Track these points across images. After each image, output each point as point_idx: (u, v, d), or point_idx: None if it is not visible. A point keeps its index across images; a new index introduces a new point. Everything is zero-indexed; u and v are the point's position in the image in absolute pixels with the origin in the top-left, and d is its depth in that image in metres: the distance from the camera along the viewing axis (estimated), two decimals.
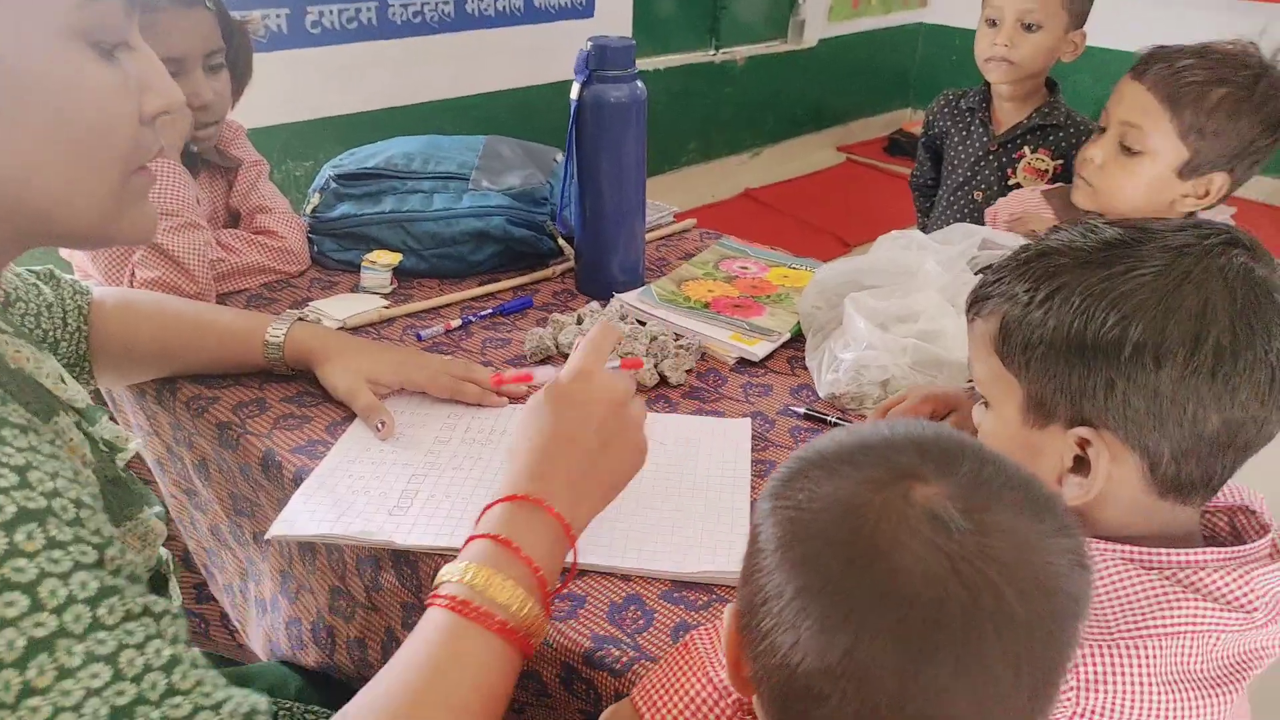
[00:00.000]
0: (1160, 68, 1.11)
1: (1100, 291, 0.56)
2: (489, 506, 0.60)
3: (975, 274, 1.10)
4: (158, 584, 0.65)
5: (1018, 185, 1.57)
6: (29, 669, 0.41)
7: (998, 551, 0.39)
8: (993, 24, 1.54)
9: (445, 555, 0.72)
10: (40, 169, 0.49)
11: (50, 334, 0.82)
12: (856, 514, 0.41)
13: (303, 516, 0.76)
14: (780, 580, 0.42)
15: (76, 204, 0.51)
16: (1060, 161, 1.54)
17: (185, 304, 0.94)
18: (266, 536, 0.76)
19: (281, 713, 0.78)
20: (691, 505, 0.78)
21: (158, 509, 0.62)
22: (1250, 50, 1.10)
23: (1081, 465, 0.59)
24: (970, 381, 0.71)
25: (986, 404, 0.65)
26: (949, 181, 1.69)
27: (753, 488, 0.81)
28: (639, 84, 1.11)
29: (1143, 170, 1.13)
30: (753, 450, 0.87)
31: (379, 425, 0.85)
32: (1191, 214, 1.16)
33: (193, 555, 1.01)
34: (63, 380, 0.55)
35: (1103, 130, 1.18)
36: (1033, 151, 1.57)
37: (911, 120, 4.82)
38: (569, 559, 0.61)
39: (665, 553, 0.72)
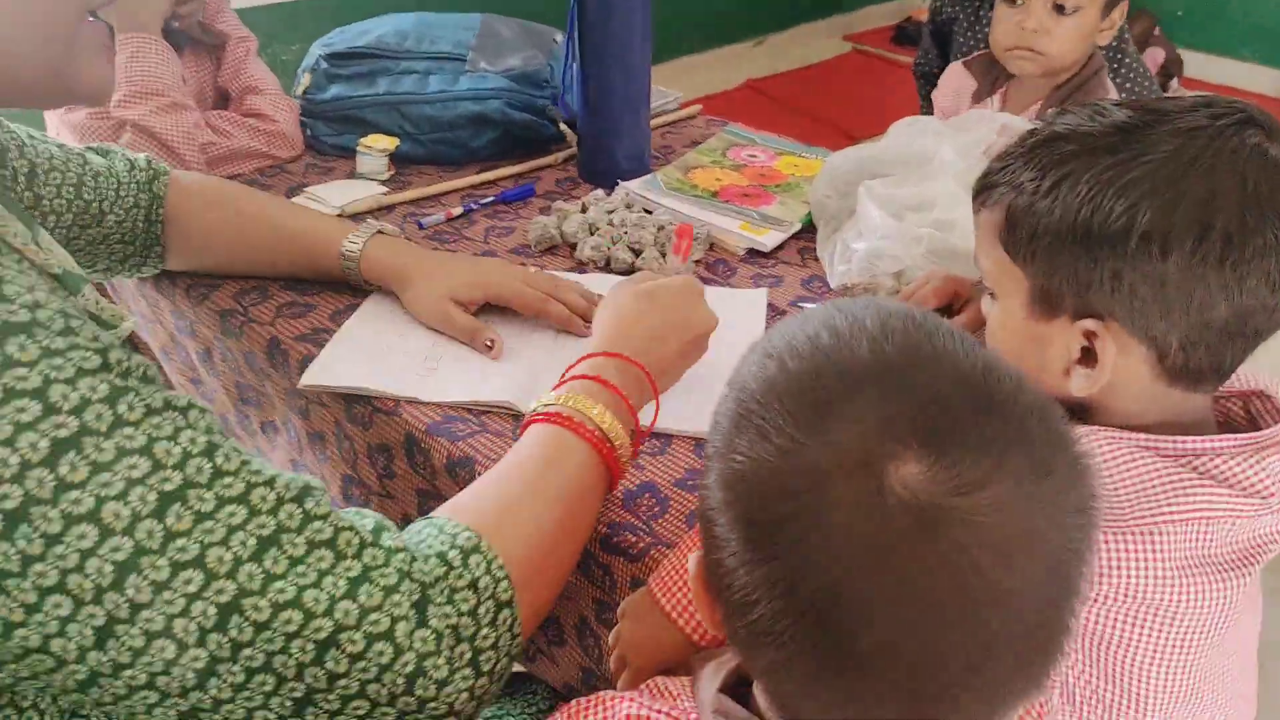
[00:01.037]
0: None
1: (1108, 179, 0.54)
2: (580, 360, 0.66)
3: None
4: None
5: None
6: (60, 465, 0.41)
7: (1000, 542, 0.34)
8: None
9: (462, 438, 0.72)
10: None
11: (92, 205, 0.80)
12: (823, 508, 0.35)
13: (337, 366, 0.78)
14: (749, 589, 0.37)
15: (25, 49, 0.49)
16: None
17: (263, 199, 0.91)
18: (299, 385, 0.78)
19: None
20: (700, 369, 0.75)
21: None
22: None
23: (1089, 356, 0.59)
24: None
25: (993, 295, 0.64)
26: None
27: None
28: None
29: (1081, 21, 1.22)
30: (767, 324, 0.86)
31: (487, 345, 0.80)
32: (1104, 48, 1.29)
33: None
34: (36, 243, 0.52)
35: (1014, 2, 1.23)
36: None
37: (920, 8, 4.64)
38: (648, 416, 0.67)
39: (687, 415, 0.73)
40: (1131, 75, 1.50)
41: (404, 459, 0.75)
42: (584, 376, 0.64)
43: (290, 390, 0.83)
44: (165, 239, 0.86)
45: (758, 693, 0.44)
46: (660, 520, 0.66)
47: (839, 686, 0.36)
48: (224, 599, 0.43)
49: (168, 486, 0.43)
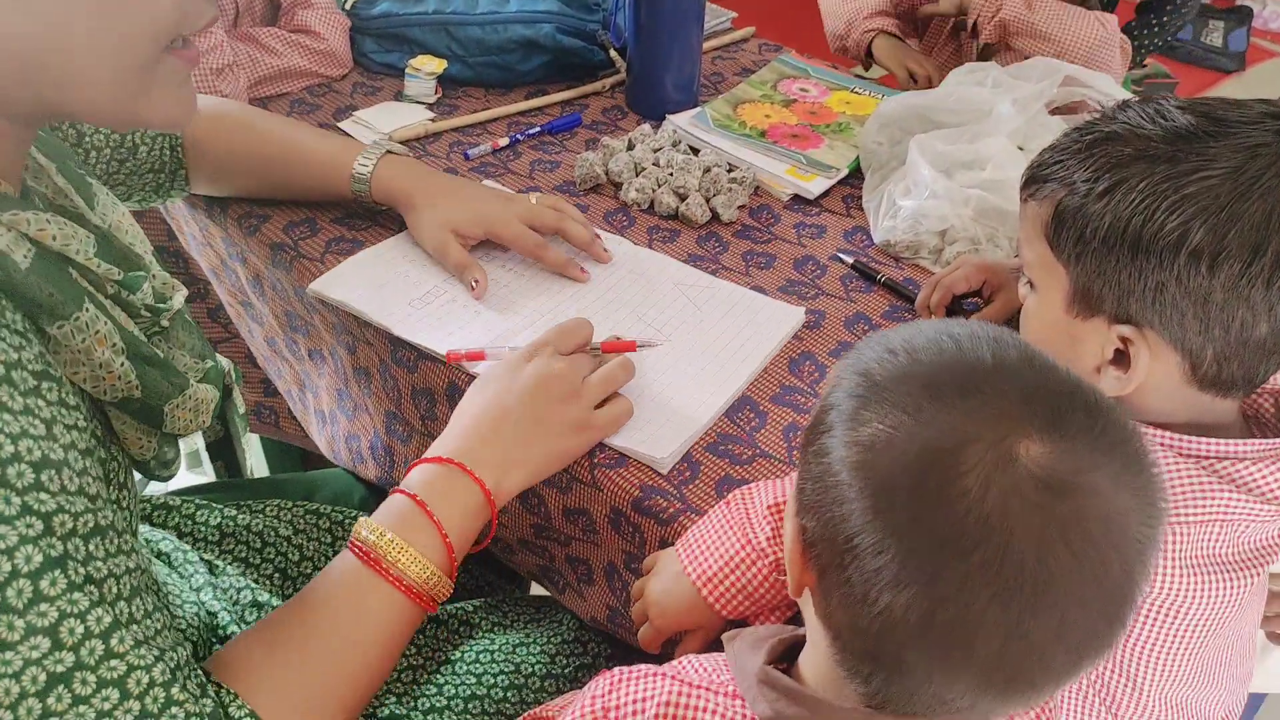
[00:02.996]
0: None
1: (1164, 191, 0.54)
2: (417, 462, 0.63)
3: (1050, 113, 1.04)
4: (224, 395, 0.67)
5: None
6: None
7: (1105, 517, 0.40)
8: None
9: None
10: (64, 32, 0.45)
11: (127, 138, 0.81)
12: (957, 473, 0.39)
13: (340, 282, 0.83)
14: (873, 540, 0.40)
15: (96, 77, 0.47)
16: None
17: (276, 121, 0.90)
18: (307, 290, 0.83)
19: (347, 520, 0.84)
20: (677, 379, 0.76)
21: (216, 365, 0.63)
22: None
23: (1121, 358, 0.59)
24: (1018, 258, 0.69)
25: (1032, 285, 0.64)
26: None
27: (778, 383, 0.78)
28: None
29: None
30: (804, 300, 0.87)
31: (472, 284, 0.82)
32: None
33: (255, 356, 1.04)
34: (99, 219, 0.52)
35: None
36: None
37: None
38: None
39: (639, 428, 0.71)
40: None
41: (446, 404, 0.78)
42: (410, 497, 0.61)
43: (338, 325, 0.85)
44: (187, 164, 0.87)
45: (806, 666, 0.49)
46: (691, 485, 0.69)
47: (949, 627, 0.39)
48: None
49: (59, 668, 0.44)
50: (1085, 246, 0.58)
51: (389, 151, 0.87)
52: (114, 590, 0.47)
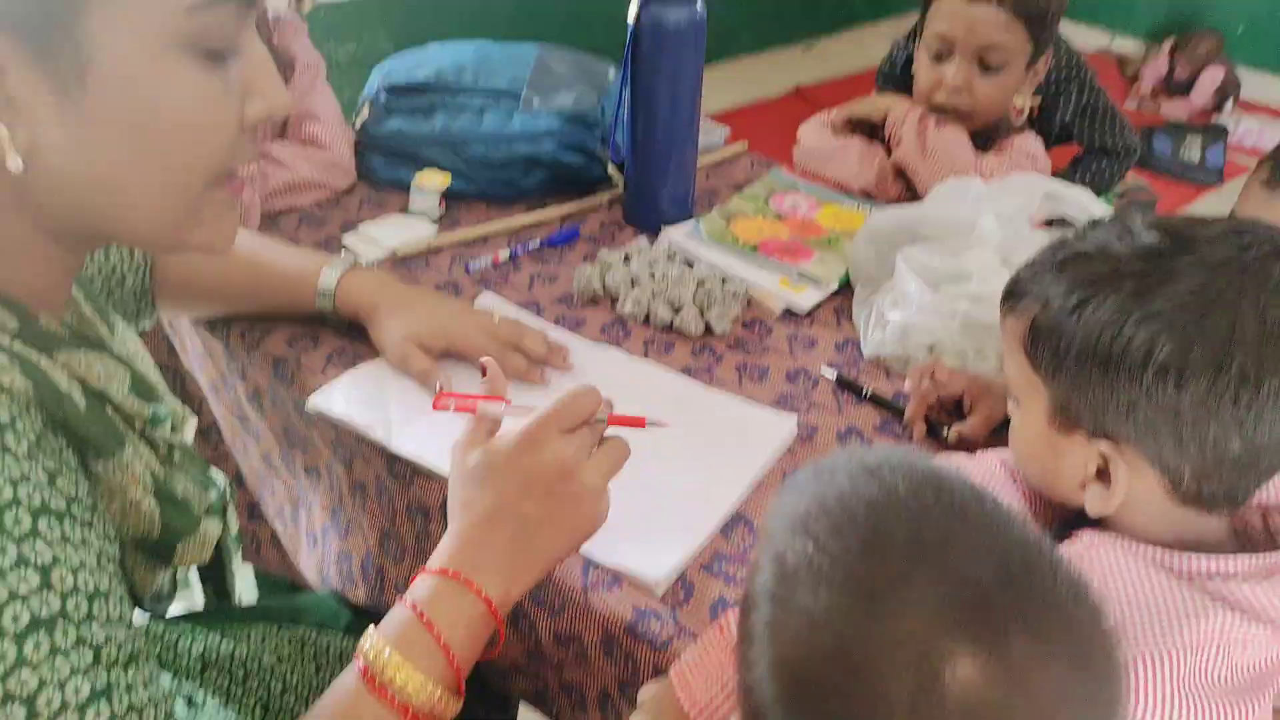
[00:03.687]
0: None
1: (1130, 307, 0.55)
2: (420, 572, 0.61)
3: (1037, 227, 1.07)
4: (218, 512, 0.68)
5: None
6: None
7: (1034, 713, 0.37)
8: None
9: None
10: (121, 172, 0.48)
11: (118, 267, 0.83)
12: (872, 684, 0.36)
13: (337, 396, 0.84)
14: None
15: (150, 211, 0.50)
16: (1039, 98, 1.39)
17: (242, 238, 0.90)
18: (306, 407, 0.83)
19: (332, 647, 0.82)
20: (669, 493, 0.75)
21: (218, 489, 0.64)
22: None
23: (1104, 474, 0.60)
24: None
25: (1016, 399, 0.65)
26: None
27: (767, 490, 0.78)
28: (699, 6, 1.07)
29: (1005, 80, 1.22)
30: (798, 412, 0.88)
31: (439, 388, 0.83)
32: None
33: (245, 477, 1.05)
34: (120, 350, 0.55)
35: (939, 56, 1.21)
36: None
37: None
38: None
39: (623, 543, 0.70)
40: (1111, 118, 1.51)
41: (440, 522, 0.78)
42: (414, 610, 0.58)
43: (336, 440, 0.86)
44: (154, 288, 0.87)
45: None
46: (685, 608, 0.69)
47: None
48: None
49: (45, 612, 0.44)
50: (1060, 362, 0.59)
51: (356, 264, 0.90)
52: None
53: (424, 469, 0.79)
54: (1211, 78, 4.19)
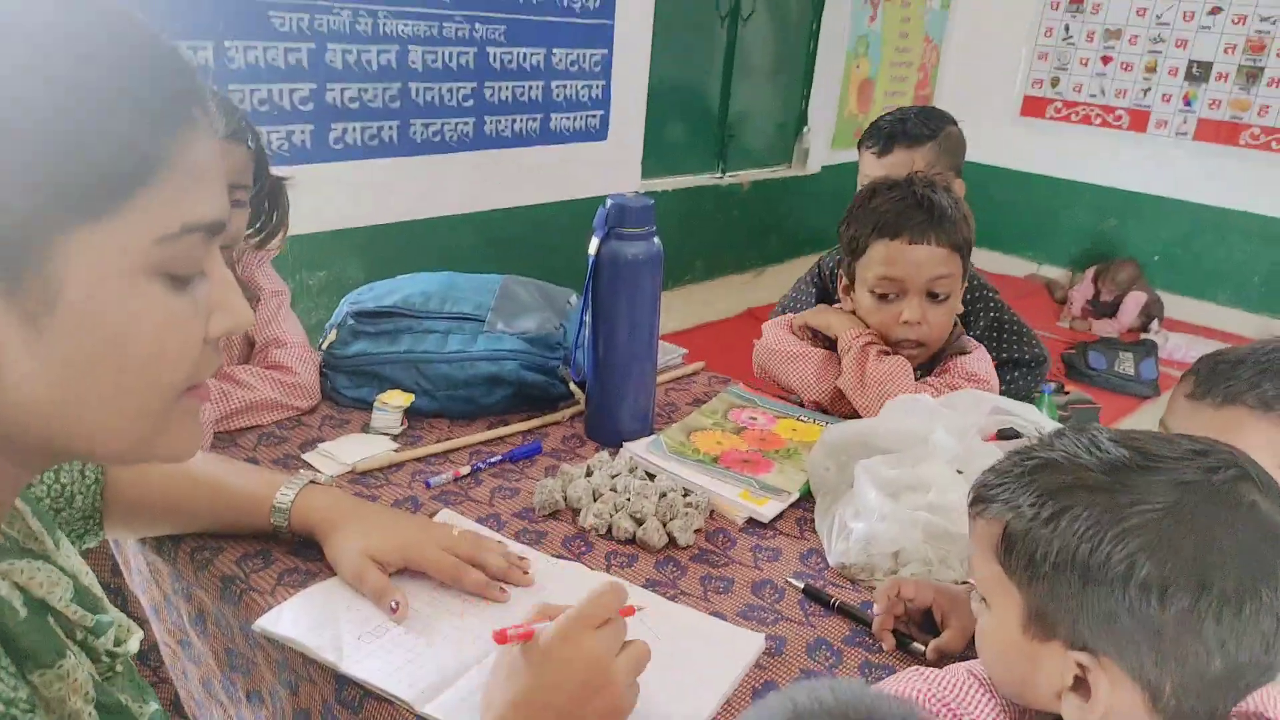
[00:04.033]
0: (924, 219, 1.25)
1: (1106, 521, 0.57)
2: None
3: (988, 439, 1.11)
4: None
5: None
6: None
7: None
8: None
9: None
10: (87, 396, 0.47)
11: (68, 488, 0.81)
12: None
13: (288, 617, 0.81)
14: None
15: (115, 429, 0.50)
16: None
17: (199, 457, 0.90)
18: (253, 627, 0.80)
19: None
20: (646, 707, 0.71)
21: (157, 709, 0.60)
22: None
23: (1081, 685, 0.59)
24: (967, 581, 0.70)
25: (986, 602, 0.65)
26: None
27: (737, 705, 0.76)
28: (655, 241, 1.14)
29: (951, 305, 1.30)
30: (764, 625, 0.86)
31: (392, 607, 0.81)
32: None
33: (183, 703, 0.98)
34: (75, 592, 0.54)
35: (885, 297, 1.28)
36: None
37: None
38: None
39: None
40: (1018, 332, 1.59)
41: None
42: None
43: (281, 662, 0.82)
44: (103, 508, 0.85)
45: None
46: None
47: None
48: None
49: None
50: (1037, 569, 0.59)
51: (312, 482, 0.89)
52: None
53: (376, 692, 0.74)
54: (1135, 300, 4.51)
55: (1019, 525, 0.60)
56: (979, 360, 1.35)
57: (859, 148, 1.79)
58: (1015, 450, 0.66)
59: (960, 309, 1.36)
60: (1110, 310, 4.51)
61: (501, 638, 0.69)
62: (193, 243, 0.49)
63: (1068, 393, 3.29)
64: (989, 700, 0.67)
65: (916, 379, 1.29)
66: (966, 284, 1.37)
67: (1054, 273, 5.17)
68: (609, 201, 1.12)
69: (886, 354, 1.29)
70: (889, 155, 1.69)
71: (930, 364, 1.34)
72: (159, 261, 0.47)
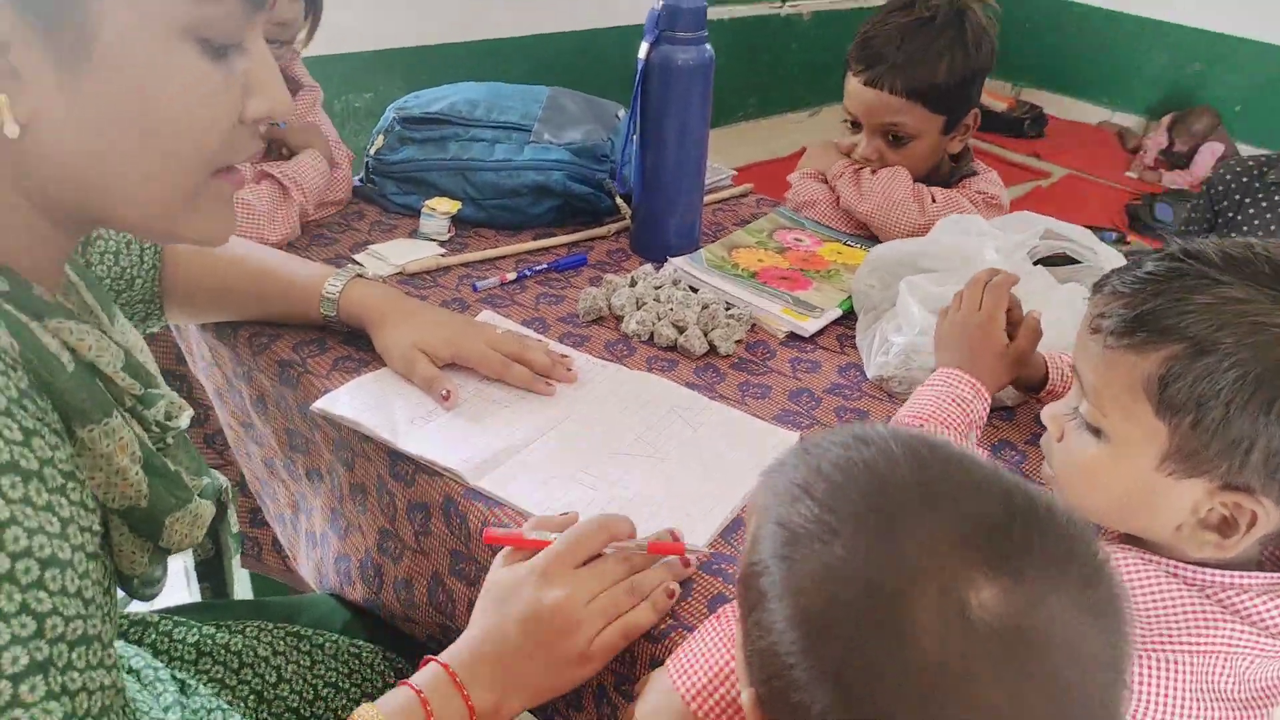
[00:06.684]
0: (888, 61, 1.21)
1: None
2: (430, 659, 0.64)
3: (1035, 264, 1.09)
4: (220, 513, 0.68)
5: None
6: None
7: (1069, 645, 0.38)
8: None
9: (498, 505, 0.76)
10: (116, 152, 0.49)
11: (127, 270, 0.84)
12: (898, 615, 0.38)
13: (344, 400, 0.84)
14: (809, 682, 0.39)
15: (143, 195, 0.50)
16: None
17: (251, 249, 0.94)
18: (311, 409, 0.84)
19: (328, 644, 0.82)
20: (670, 497, 0.76)
21: (213, 483, 0.64)
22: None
23: (1228, 523, 0.56)
24: (1073, 407, 0.63)
25: (1097, 432, 0.60)
26: None
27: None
28: (707, 47, 1.10)
29: (917, 149, 1.27)
30: (799, 428, 0.88)
31: (443, 395, 0.84)
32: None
33: (248, 483, 1.05)
34: (126, 361, 0.55)
35: (853, 126, 1.28)
36: None
37: (991, 90, 4.69)
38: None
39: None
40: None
41: (441, 519, 0.78)
42: (416, 692, 0.61)
43: (339, 441, 0.86)
44: (162, 293, 0.88)
45: None
46: (684, 603, 0.68)
47: None
48: None
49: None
50: (1206, 410, 0.53)
51: (359, 275, 0.91)
52: (85, 706, 0.46)
53: (429, 467, 0.79)
54: (1211, 151, 4.28)
55: (1193, 364, 0.54)
56: (988, 181, 1.33)
57: None
58: (1146, 269, 0.58)
59: (938, 146, 1.29)
60: (1184, 161, 4.29)
61: (490, 538, 0.70)
62: (230, 8, 0.49)
63: (1129, 243, 3.18)
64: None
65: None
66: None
67: (1128, 120, 4.90)
68: (660, 2, 1.07)
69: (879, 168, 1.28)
70: None
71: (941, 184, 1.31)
72: (196, 23, 0.48)
